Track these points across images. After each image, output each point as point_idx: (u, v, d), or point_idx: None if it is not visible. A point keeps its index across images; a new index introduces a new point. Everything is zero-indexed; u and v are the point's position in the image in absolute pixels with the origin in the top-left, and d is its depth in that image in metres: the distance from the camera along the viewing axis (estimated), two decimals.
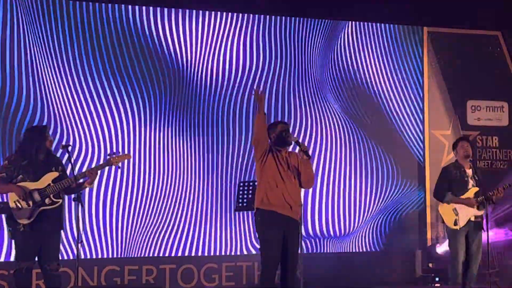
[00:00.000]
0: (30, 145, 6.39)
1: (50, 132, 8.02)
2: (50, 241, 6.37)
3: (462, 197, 7.56)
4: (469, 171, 7.66)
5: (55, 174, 6.38)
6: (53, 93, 8.34)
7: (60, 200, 6.38)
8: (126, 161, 8.27)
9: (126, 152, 6.83)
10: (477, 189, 7.58)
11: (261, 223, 6.33)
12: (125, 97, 8.63)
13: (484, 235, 7.54)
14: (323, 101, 9.40)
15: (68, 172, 6.63)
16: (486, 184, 7.73)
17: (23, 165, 6.34)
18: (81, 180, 6.44)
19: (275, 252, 6.25)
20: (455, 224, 7.50)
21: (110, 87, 8.57)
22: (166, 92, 8.79)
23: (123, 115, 8.60)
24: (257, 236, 6.47)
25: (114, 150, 6.93)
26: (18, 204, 6.25)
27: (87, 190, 8.17)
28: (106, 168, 8.18)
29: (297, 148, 6.44)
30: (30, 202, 6.26)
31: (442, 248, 9.19)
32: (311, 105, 9.33)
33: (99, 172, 6.59)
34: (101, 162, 6.90)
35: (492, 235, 8.46)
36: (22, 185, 6.29)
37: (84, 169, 7.60)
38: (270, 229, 6.27)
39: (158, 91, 8.76)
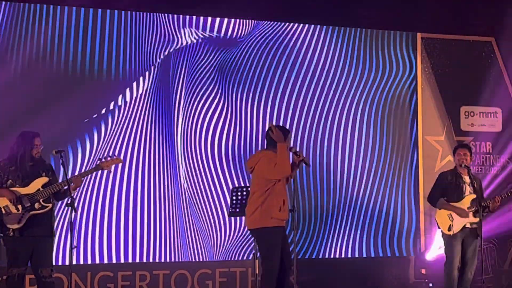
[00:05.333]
0: (19, 151, 6.39)
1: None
2: (41, 246, 6.37)
3: (457, 204, 7.58)
4: (467, 178, 7.67)
5: (44, 180, 6.38)
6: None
7: (50, 205, 6.38)
8: (119, 166, 8.32)
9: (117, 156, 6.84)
10: (474, 196, 7.59)
11: (271, 239, 6.48)
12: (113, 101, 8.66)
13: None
14: (315, 106, 9.41)
15: (61, 177, 6.63)
16: (482, 193, 7.77)
17: (12, 170, 6.35)
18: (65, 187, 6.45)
19: (278, 260, 6.46)
20: (449, 229, 7.52)
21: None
22: (155, 97, 8.79)
23: (114, 119, 8.63)
24: (259, 247, 6.69)
25: (105, 155, 6.89)
26: (8, 209, 6.25)
27: (81, 195, 8.25)
28: (99, 173, 8.23)
29: (294, 156, 6.57)
30: (20, 207, 6.26)
31: (431, 254, 9.22)
32: (304, 110, 9.35)
33: (87, 176, 6.59)
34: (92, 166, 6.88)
35: None
36: (12, 190, 6.29)
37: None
38: (277, 241, 6.47)
39: (147, 95, 8.76)
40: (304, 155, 6.91)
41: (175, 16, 8.86)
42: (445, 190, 7.66)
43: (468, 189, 7.63)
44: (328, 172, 9.37)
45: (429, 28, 9.92)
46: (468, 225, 7.56)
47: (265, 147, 6.79)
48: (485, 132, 10.08)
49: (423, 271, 9.26)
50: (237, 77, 9.11)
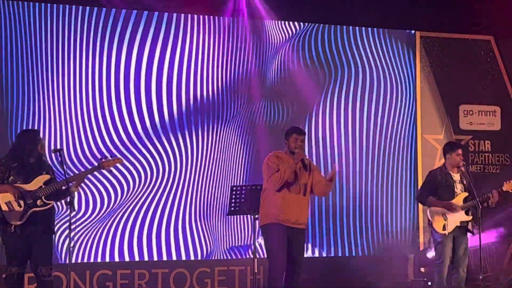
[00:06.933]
0: (22, 148, 6.39)
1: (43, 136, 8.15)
2: (41, 244, 6.36)
3: (448, 201, 7.59)
4: (456, 176, 7.66)
5: (46, 177, 6.38)
6: (47, 95, 8.37)
7: (52, 202, 6.38)
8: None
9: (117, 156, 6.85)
10: (466, 194, 7.59)
11: (267, 237, 6.62)
12: (114, 101, 8.66)
13: (474, 239, 7.60)
14: (315, 105, 9.41)
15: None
16: (476, 188, 7.70)
17: (14, 167, 6.35)
18: (70, 184, 6.45)
19: (279, 258, 6.50)
20: (444, 228, 7.52)
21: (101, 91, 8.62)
22: (157, 96, 8.80)
23: (116, 117, 8.63)
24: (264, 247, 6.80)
25: (107, 154, 6.88)
26: (10, 206, 6.25)
27: (81, 194, 8.25)
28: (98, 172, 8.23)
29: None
30: (22, 204, 6.26)
31: (433, 253, 9.21)
32: (301, 109, 9.34)
33: (87, 176, 6.59)
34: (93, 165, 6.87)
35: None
36: (15, 186, 6.30)
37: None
38: (274, 239, 6.53)
39: (150, 95, 8.77)
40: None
41: None
42: (436, 190, 7.64)
43: (459, 187, 7.64)
44: (326, 170, 9.36)
45: (428, 27, 9.93)
46: (458, 224, 7.57)
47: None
48: (484, 130, 10.09)
49: (423, 269, 9.27)
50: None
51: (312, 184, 6.73)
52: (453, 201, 7.55)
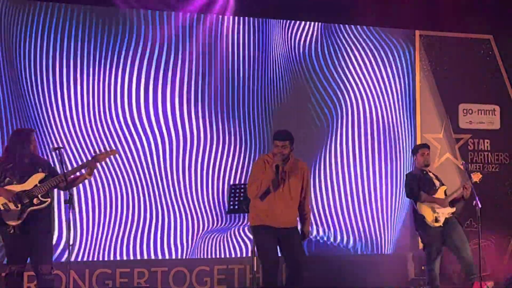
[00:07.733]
0: (14, 149, 6.40)
1: (45, 134, 8.15)
2: (40, 242, 6.37)
3: (435, 196, 7.87)
4: (430, 174, 8.06)
5: (41, 175, 6.40)
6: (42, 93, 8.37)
7: (49, 200, 6.39)
8: (114, 159, 8.30)
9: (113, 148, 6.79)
10: (445, 187, 7.96)
11: (255, 238, 6.67)
12: (111, 95, 8.65)
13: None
14: (311, 105, 9.40)
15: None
16: (475, 187, 7.92)
17: (8, 168, 6.36)
18: (77, 174, 6.47)
19: (270, 258, 6.50)
20: (437, 221, 7.75)
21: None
22: (155, 91, 8.80)
23: (113, 112, 8.63)
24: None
25: (101, 147, 6.86)
26: (7, 207, 6.26)
27: (80, 192, 8.25)
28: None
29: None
30: (19, 204, 6.27)
31: None
32: (298, 109, 9.34)
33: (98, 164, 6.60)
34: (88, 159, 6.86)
35: None
36: (9, 188, 6.29)
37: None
38: (262, 239, 6.56)
39: (147, 91, 8.77)
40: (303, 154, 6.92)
41: None
42: (419, 185, 7.92)
43: (437, 182, 7.99)
44: (326, 169, 9.36)
45: (428, 26, 9.93)
46: (447, 216, 7.85)
47: None
48: (483, 129, 10.09)
49: (423, 268, 9.26)
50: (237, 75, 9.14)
51: (302, 188, 6.69)
52: (436, 195, 7.88)
